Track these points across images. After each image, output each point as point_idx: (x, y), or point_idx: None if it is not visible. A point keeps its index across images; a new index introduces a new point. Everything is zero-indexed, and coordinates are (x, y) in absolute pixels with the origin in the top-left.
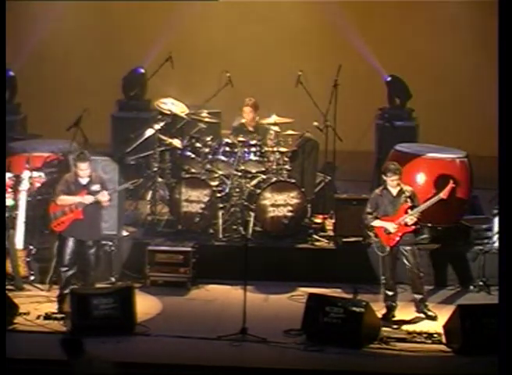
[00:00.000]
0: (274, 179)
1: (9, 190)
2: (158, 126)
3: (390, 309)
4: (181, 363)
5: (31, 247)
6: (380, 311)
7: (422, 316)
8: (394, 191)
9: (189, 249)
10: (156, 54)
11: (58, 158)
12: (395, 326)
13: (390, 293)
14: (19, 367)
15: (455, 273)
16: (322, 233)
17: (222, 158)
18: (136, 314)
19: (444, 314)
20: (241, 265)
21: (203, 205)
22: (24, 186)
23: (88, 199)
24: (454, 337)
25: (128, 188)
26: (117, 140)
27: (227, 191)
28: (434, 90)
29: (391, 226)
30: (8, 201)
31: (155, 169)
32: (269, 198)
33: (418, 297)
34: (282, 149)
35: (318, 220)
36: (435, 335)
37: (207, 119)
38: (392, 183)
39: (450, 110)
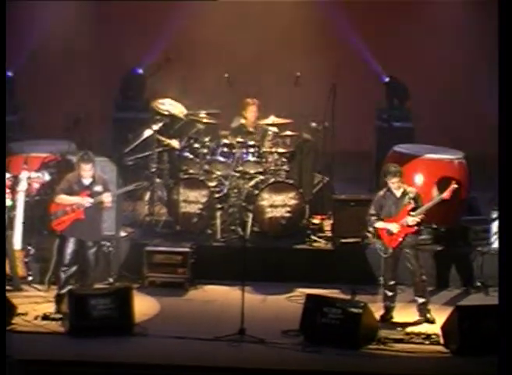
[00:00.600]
0: (272, 180)
1: (7, 190)
2: (156, 127)
3: (388, 310)
4: (179, 364)
5: (29, 247)
6: (378, 312)
7: (423, 318)
8: (398, 193)
9: (187, 250)
10: (155, 54)
11: (57, 158)
12: (399, 329)
13: (390, 293)
14: (17, 367)
15: (458, 275)
16: (320, 234)
17: (221, 158)
18: (134, 315)
19: (442, 315)
20: (239, 265)
21: (201, 206)
22: (22, 186)
23: (87, 201)
24: (452, 338)
25: (137, 189)
26: (115, 140)
27: (225, 191)
28: (432, 91)
29: (394, 227)
30: (7, 202)
31: (153, 169)
32: (267, 199)
33: (421, 300)
34: (281, 150)
35: (316, 221)
36: (433, 336)
37: (205, 120)
38: (394, 186)
39: (449, 111)
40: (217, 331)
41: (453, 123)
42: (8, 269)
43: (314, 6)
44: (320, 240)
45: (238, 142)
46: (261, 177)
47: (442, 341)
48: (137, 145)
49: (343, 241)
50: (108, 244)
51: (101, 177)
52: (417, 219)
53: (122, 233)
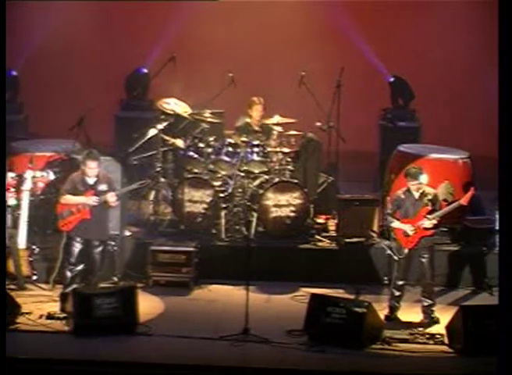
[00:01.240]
0: (276, 179)
1: (12, 190)
2: (160, 126)
3: (393, 310)
4: (183, 363)
5: (34, 246)
6: (382, 311)
7: (426, 320)
8: (416, 194)
9: (191, 249)
10: (159, 54)
11: (61, 158)
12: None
13: (397, 293)
14: (21, 367)
15: (471, 275)
16: (325, 234)
17: (225, 158)
18: (139, 314)
19: (450, 315)
20: (244, 265)
21: (205, 206)
22: (27, 186)
23: (93, 200)
24: (456, 338)
25: (141, 188)
26: (120, 140)
27: (230, 191)
28: (437, 90)
29: (409, 229)
30: (11, 201)
31: (158, 169)
32: (272, 199)
33: (427, 302)
34: (285, 149)
35: (321, 221)
36: (438, 336)
37: (210, 120)
38: (414, 187)
39: (453, 111)
40: (221, 331)
41: (459, 123)
42: (12, 269)
43: (318, 6)
44: (324, 239)
45: (243, 141)
46: (266, 177)
47: (446, 340)
48: (142, 145)
49: (348, 240)
50: (113, 243)
51: (106, 176)
52: (434, 222)
53: (127, 233)
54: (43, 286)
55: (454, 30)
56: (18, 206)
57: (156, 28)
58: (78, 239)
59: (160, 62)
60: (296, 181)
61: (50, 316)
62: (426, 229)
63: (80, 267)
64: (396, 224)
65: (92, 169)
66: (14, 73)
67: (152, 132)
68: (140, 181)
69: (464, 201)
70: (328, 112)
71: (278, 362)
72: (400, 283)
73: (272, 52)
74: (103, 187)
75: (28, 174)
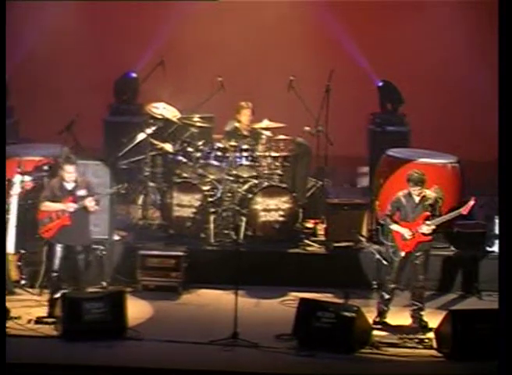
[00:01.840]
0: (266, 183)
1: None
2: (149, 131)
3: (382, 313)
4: (172, 368)
5: (22, 251)
6: (371, 316)
7: (415, 324)
8: (417, 198)
9: (180, 254)
10: (148, 58)
11: (50, 162)
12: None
13: (387, 296)
14: (10, 372)
15: (463, 279)
16: (314, 238)
17: (214, 162)
18: (128, 319)
19: (439, 319)
20: (233, 269)
21: (194, 210)
22: (15, 190)
23: (71, 207)
24: (445, 343)
25: (119, 192)
26: (109, 144)
27: (219, 195)
28: (426, 95)
29: (407, 233)
30: None
31: (147, 173)
32: (261, 203)
33: (418, 305)
34: (274, 154)
35: (310, 225)
36: (427, 340)
37: (199, 124)
38: (415, 192)
39: (442, 115)
40: (210, 335)
41: (448, 128)
42: None
43: (308, 9)
44: (313, 244)
45: (232, 146)
46: (255, 181)
47: (435, 345)
48: (131, 149)
49: (337, 245)
50: (102, 247)
51: (85, 181)
52: (433, 227)
53: (116, 237)
54: (31, 290)
55: (446, 35)
56: (7, 210)
57: (145, 32)
58: (59, 245)
59: (149, 66)
60: (285, 186)
61: (39, 321)
62: (424, 234)
63: (64, 273)
64: (394, 227)
65: (70, 174)
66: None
67: (141, 136)
68: (119, 185)
69: (464, 210)
70: (317, 116)
71: (267, 366)
72: (392, 286)
73: (262, 56)
74: (82, 192)
75: (17, 179)
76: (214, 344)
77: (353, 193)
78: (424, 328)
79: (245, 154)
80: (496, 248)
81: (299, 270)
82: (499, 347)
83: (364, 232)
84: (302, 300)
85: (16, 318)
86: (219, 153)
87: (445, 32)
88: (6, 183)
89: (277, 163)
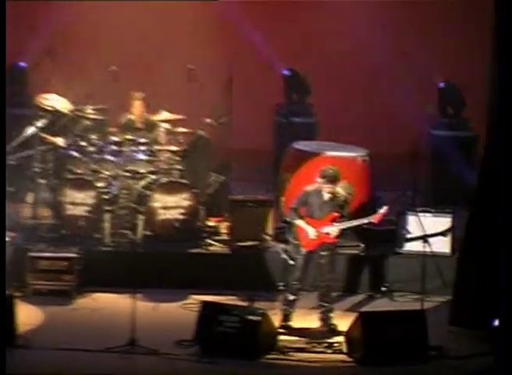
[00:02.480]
0: (164, 179)
1: None
2: (39, 124)
3: (287, 316)
4: None
5: None
6: (278, 319)
7: (324, 327)
8: (326, 196)
9: (73, 255)
10: (38, 46)
11: None
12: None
13: (292, 297)
14: None
15: (368, 279)
16: (216, 237)
17: (109, 157)
18: (17, 325)
19: (346, 322)
20: (130, 271)
21: (88, 208)
22: None
23: None
24: (356, 347)
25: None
26: None
27: (115, 192)
28: (334, 84)
29: (312, 232)
30: None
31: (37, 169)
32: (160, 200)
33: (326, 307)
34: (174, 148)
35: (212, 223)
36: (336, 344)
37: (92, 116)
38: (326, 190)
39: (351, 106)
40: (106, 342)
41: (358, 119)
42: None
43: None
44: (216, 243)
45: (128, 139)
46: (153, 177)
47: (345, 349)
48: (20, 143)
49: (241, 244)
50: None
51: None
52: (338, 230)
53: None
54: None
55: (360, 26)
56: None
57: (36, 21)
58: None
59: (39, 55)
60: (185, 181)
61: None
62: (329, 235)
63: None
64: (299, 222)
65: None
66: None
67: (30, 130)
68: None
69: (375, 219)
70: (219, 107)
71: (167, 374)
72: (296, 286)
73: (161, 46)
74: None
75: None
76: (110, 352)
77: (258, 189)
78: (334, 331)
79: (142, 148)
80: (409, 246)
81: (200, 272)
82: (499, 345)
83: (270, 230)
84: (204, 303)
85: None
86: (115, 147)
87: (363, 25)
88: None
89: (176, 158)
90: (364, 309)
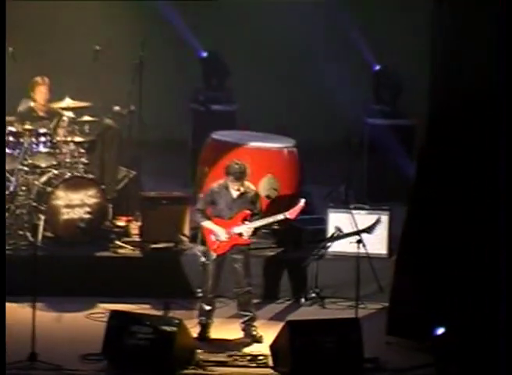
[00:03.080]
0: (68, 174)
1: None
2: None
3: (205, 327)
4: None
5: None
6: (195, 329)
7: (247, 338)
8: (235, 193)
9: None
10: None
11: None
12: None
13: (208, 308)
14: None
15: (290, 284)
16: (126, 239)
17: (6, 150)
18: None
19: (271, 332)
20: (29, 278)
21: None
22: None
23: None
24: (283, 359)
25: None
26: None
27: (12, 189)
28: (258, 67)
29: (222, 234)
30: None
31: None
32: (62, 198)
33: (246, 316)
34: (78, 139)
35: (121, 223)
36: (261, 357)
37: None
38: (234, 187)
39: (277, 91)
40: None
41: (284, 106)
42: None
43: None
44: (126, 245)
45: (26, 130)
46: (55, 172)
47: (271, 362)
48: None
49: (154, 246)
50: None
51: None
52: (252, 229)
53: None
54: None
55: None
56: None
57: None
58: None
59: None
60: (91, 177)
61: None
62: (242, 236)
63: None
64: (206, 224)
65: None
66: None
67: None
68: None
69: (290, 214)
70: (129, 93)
71: None
72: (210, 295)
73: (64, 24)
74: None
75: None
76: (8, 368)
77: (173, 184)
78: (258, 343)
79: (43, 139)
80: (341, 247)
81: (109, 277)
82: (499, 348)
83: (187, 230)
84: (113, 313)
85: None
86: (12, 138)
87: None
88: None
89: (81, 150)
90: (291, 318)
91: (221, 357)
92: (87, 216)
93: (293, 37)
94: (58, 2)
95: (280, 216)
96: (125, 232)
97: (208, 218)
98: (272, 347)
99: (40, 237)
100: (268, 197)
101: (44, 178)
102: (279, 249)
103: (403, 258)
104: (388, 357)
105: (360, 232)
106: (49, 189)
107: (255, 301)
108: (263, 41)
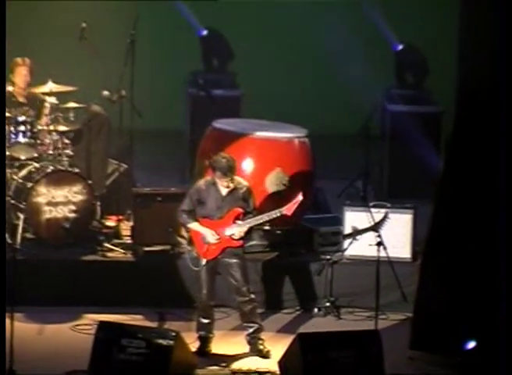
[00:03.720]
0: (51, 168)
1: None
2: None
3: (205, 341)
4: None
5: None
6: (194, 343)
7: (253, 353)
8: (224, 190)
9: None
10: None
11: None
12: (223, 364)
13: (205, 321)
14: None
15: (294, 292)
16: (116, 241)
17: None
18: None
19: (279, 347)
20: (8, 285)
21: None
22: None
23: None
24: None
25: None
26: None
27: None
28: (265, 48)
29: (211, 236)
30: None
31: None
32: (44, 194)
33: (252, 327)
34: (62, 128)
35: (111, 223)
36: (268, 374)
37: None
38: (223, 184)
39: (287, 74)
40: None
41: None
42: None
43: None
44: (116, 248)
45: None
46: (36, 165)
47: None
48: None
49: (148, 249)
50: None
51: None
52: (244, 230)
53: None
54: None
55: None
56: None
57: None
58: None
59: None
60: (77, 171)
61: None
62: (233, 238)
63: None
64: (193, 225)
65: None
66: None
67: None
68: None
69: (287, 210)
70: (120, 77)
71: None
72: (206, 306)
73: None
74: None
75: None
76: None
77: (169, 179)
78: (265, 358)
79: (22, 128)
80: (359, 251)
81: (97, 284)
82: (500, 347)
83: (184, 231)
84: (101, 324)
85: None
86: None
87: None
88: None
89: (66, 140)
90: (302, 330)
91: (224, 373)
92: (72, 214)
93: (306, 15)
94: None
95: (276, 213)
96: (115, 233)
97: (195, 219)
98: (281, 363)
99: (19, 238)
100: (277, 194)
101: (23, 172)
102: (281, 252)
103: (429, 262)
104: (410, 374)
105: (363, 231)
106: (29, 184)
107: (259, 310)
108: (272, 17)
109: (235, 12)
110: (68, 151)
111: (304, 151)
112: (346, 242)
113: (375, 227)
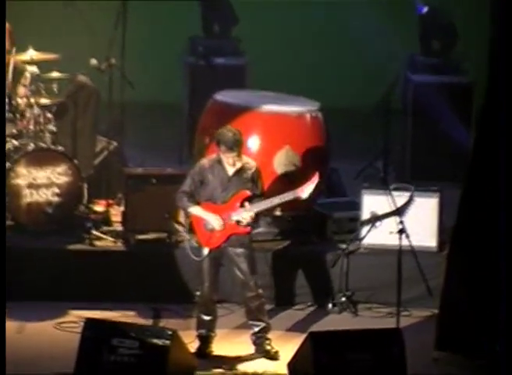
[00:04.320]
0: (31, 146)
1: None
2: None
3: (205, 340)
4: None
5: None
6: (193, 343)
7: (260, 354)
8: (231, 169)
9: None
10: None
11: None
12: (225, 367)
13: (207, 318)
14: None
15: (306, 285)
16: (106, 228)
17: None
18: None
19: (289, 347)
20: None
21: None
22: None
23: None
24: None
25: None
26: None
27: None
28: (273, 11)
29: (215, 222)
30: None
31: None
32: (25, 176)
33: (258, 325)
34: (44, 101)
35: (100, 208)
36: None
37: None
38: (229, 161)
39: (297, 41)
40: None
41: (302, 60)
42: None
43: None
44: (106, 236)
45: None
46: (15, 143)
47: None
48: None
49: (141, 237)
50: None
51: None
52: (251, 214)
53: None
54: None
55: None
56: None
57: None
58: None
59: None
60: (61, 149)
61: None
62: (240, 224)
63: None
64: (194, 210)
65: None
66: None
67: None
68: None
69: (301, 192)
70: (109, 43)
71: None
72: (208, 301)
73: None
74: None
75: None
76: None
77: (165, 159)
78: (273, 359)
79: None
80: (379, 239)
81: (84, 277)
82: (499, 347)
83: (182, 217)
84: (89, 321)
85: None
86: None
87: None
88: None
89: (48, 115)
90: (314, 328)
91: None
92: (56, 198)
93: None
94: None
95: (289, 196)
96: (104, 219)
97: (197, 203)
98: (291, 365)
99: None
100: (285, 175)
101: None
102: (295, 241)
103: (456, 252)
104: None
105: (383, 217)
106: (8, 165)
107: (268, 307)
108: None
109: None
110: (51, 127)
111: (316, 127)
112: (364, 230)
113: (397, 213)
